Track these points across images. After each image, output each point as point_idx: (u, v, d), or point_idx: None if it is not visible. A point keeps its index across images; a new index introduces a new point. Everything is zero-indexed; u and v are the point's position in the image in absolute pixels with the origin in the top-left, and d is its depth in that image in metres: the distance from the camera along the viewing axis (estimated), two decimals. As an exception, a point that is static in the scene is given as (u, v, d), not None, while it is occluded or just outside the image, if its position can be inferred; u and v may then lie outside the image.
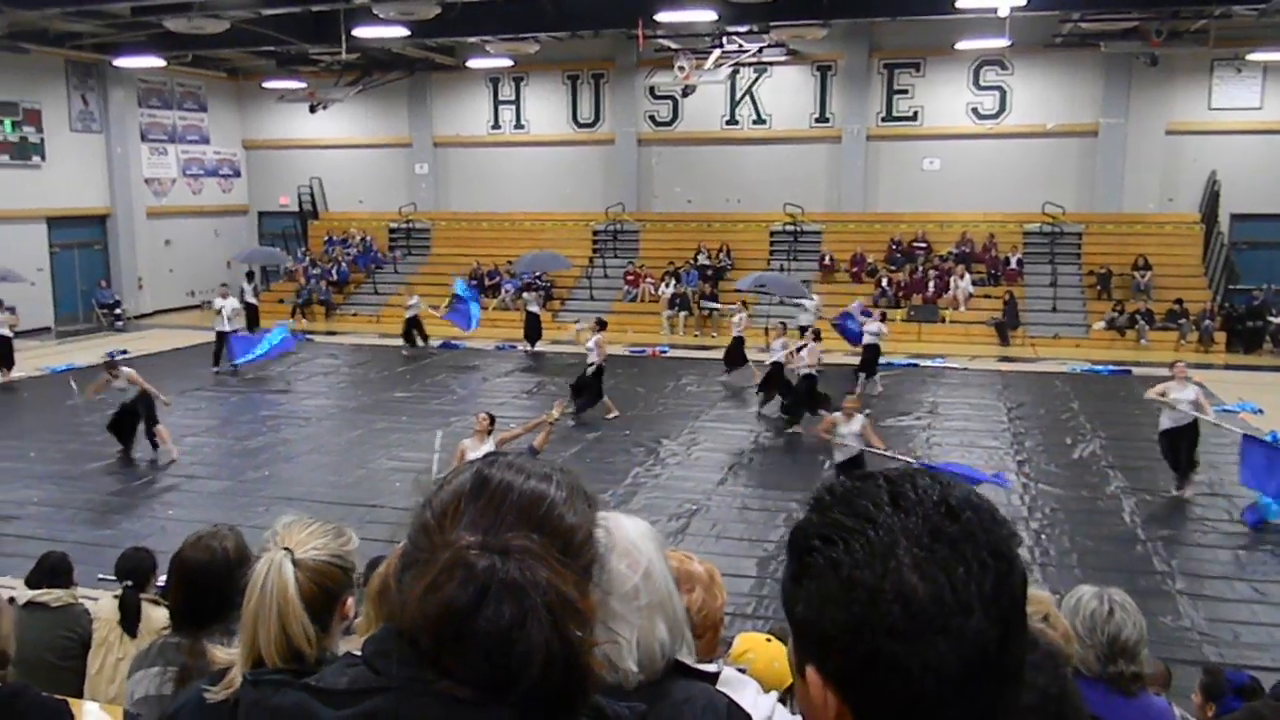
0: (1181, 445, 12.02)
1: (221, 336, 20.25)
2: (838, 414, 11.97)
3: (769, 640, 3.97)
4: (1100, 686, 2.88)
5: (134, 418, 13.77)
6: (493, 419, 10.98)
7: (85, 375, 20.02)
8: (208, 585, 2.85)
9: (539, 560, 1.10)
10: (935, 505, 0.99)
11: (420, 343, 22.38)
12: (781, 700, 2.14)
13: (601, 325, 17.31)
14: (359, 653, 1.19)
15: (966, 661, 0.94)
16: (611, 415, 15.30)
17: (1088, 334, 22.97)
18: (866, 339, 18.33)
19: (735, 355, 18.59)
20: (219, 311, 20.40)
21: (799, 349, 15.89)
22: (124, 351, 22.56)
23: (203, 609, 2.91)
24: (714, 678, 1.91)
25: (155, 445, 13.83)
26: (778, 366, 16.15)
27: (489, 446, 10.41)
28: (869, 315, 19.75)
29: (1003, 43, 22.72)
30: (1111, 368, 20.26)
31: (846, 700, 0.99)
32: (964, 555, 0.96)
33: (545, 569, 1.10)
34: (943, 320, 23.94)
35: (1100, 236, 25.26)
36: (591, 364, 16.17)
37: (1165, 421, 12.20)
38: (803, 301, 20.21)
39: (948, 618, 0.94)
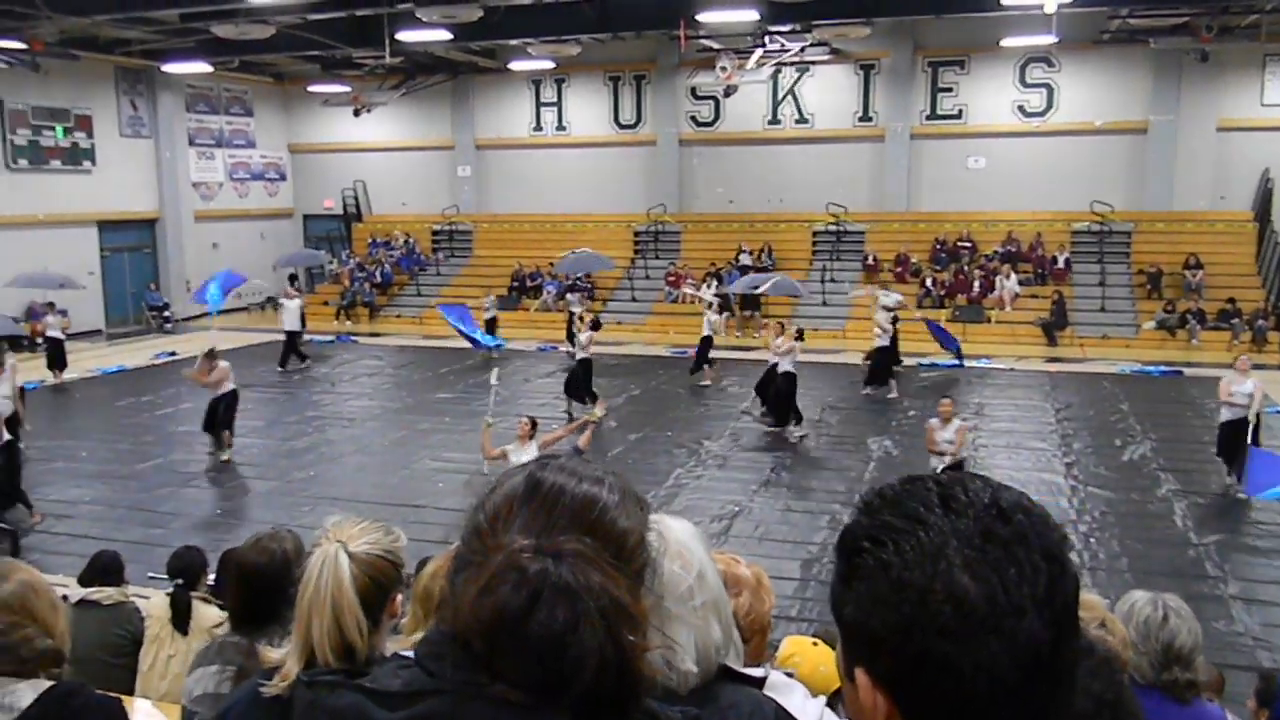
0: (1238, 438, 12.04)
1: (291, 336, 20.66)
2: (934, 420, 11.73)
3: (815, 644, 3.94)
4: (1154, 694, 2.83)
5: (214, 415, 13.99)
6: (534, 423, 11.01)
7: (136, 375, 20.37)
8: (266, 586, 2.88)
9: (592, 564, 1.10)
10: (986, 507, 0.99)
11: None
12: (830, 705, 2.12)
13: (596, 325, 17.64)
14: (408, 653, 1.20)
15: (1019, 663, 0.93)
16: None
17: (1137, 334, 22.63)
18: (879, 341, 17.95)
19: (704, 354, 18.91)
20: (278, 309, 20.94)
21: (780, 340, 15.64)
22: (173, 353, 22.94)
23: (261, 610, 2.93)
24: (761, 682, 1.90)
25: (218, 444, 14.02)
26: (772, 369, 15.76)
27: (532, 450, 10.44)
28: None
29: (1049, 39, 22.46)
30: (1162, 368, 19.95)
31: (897, 703, 0.98)
32: (1016, 557, 0.95)
33: (598, 573, 1.09)
34: (988, 320, 23.69)
35: (1150, 235, 24.88)
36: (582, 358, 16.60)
37: (1225, 414, 12.30)
38: (884, 298, 19.88)
39: (1000, 618, 0.93)
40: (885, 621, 0.96)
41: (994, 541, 0.96)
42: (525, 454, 10.33)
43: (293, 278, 25.92)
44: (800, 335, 16.30)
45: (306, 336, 23.48)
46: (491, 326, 22.62)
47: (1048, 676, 0.96)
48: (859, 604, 0.99)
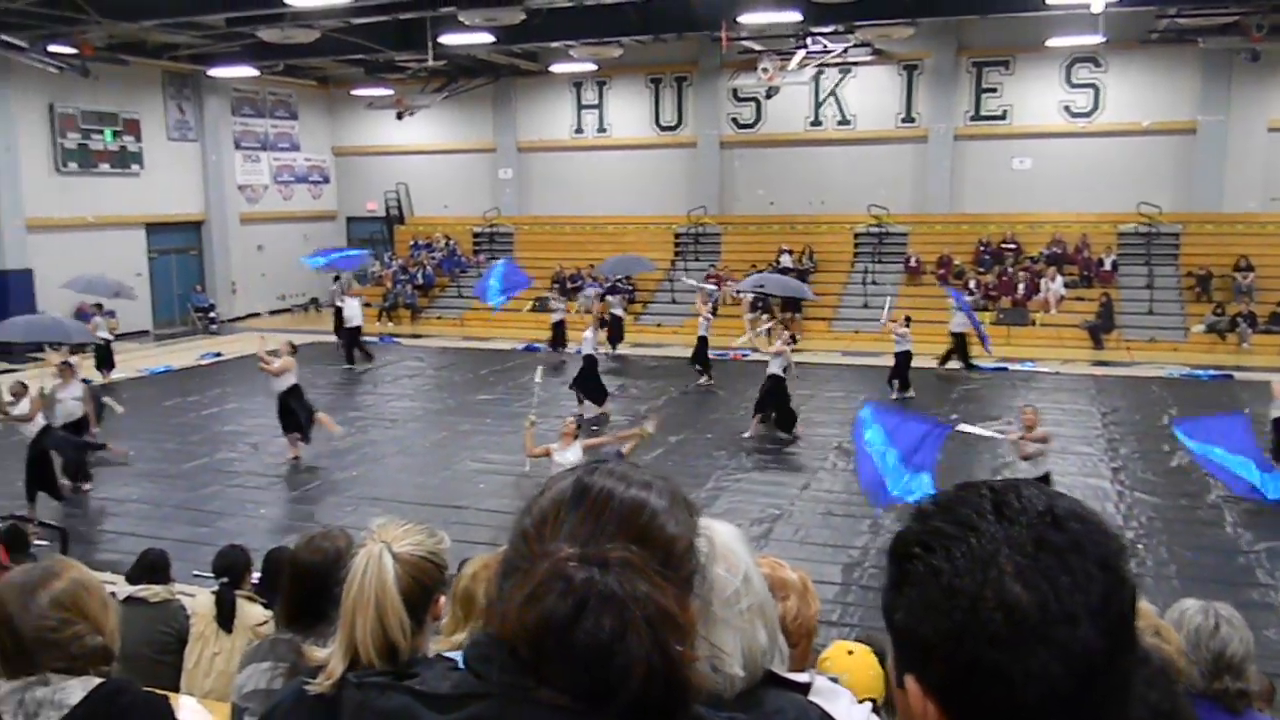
0: None
1: (352, 333, 20.96)
2: (1015, 426, 11.25)
3: (850, 653, 3.90)
4: (1205, 703, 2.78)
5: (285, 406, 14.17)
6: (579, 423, 11.03)
7: (183, 375, 20.63)
8: (317, 585, 2.90)
9: (638, 573, 1.09)
10: (1040, 515, 0.98)
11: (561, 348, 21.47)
12: (875, 711, 2.10)
13: (603, 325, 18.15)
14: (455, 655, 1.20)
15: (1072, 672, 0.92)
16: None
17: (1186, 337, 22.28)
18: (899, 346, 17.75)
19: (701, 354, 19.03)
20: (341, 307, 21.63)
21: (765, 330, 15.51)
22: (218, 354, 23.23)
23: (311, 608, 2.96)
24: (806, 688, 1.88)
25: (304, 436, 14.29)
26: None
27: (577, 450, 10.46)
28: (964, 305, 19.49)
29: (1096, 39, 22.18)
30: (1212, 372, 19.62)
31: (947, 711, 0.97)
32: (1069, 565, 0.94)
33: (645, 582, 1.09)
34: (1033, 323, 23.43)
35: (1199, 237, 24.49)
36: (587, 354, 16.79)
37: (1276, 411, 12.40)
38: (955, 300, 19.87)
39: (1051, 627, 0.92)
40: (936, 628, 0.96)
41: (1047, 549, 0.95)
42: (570, 454, 10.36)
43: (337, 279, 26.12)
44: (793, 339, 16.41)
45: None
46: (559, 331, 22.39)
47: (1102, 686, 0.94)
48: (910, 610, 0.99)
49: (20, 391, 11.76)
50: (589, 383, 16.66)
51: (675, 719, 1.10)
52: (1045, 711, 0.93)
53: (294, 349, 14.57)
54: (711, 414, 16.57)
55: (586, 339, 17.14)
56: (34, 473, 11.63)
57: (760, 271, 25.61)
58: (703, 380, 18.94)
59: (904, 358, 17.71)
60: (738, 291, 22.76)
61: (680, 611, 1.10)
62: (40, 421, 11.76)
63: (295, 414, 14.09)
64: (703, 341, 19.00)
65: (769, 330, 16.87)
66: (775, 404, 15.18)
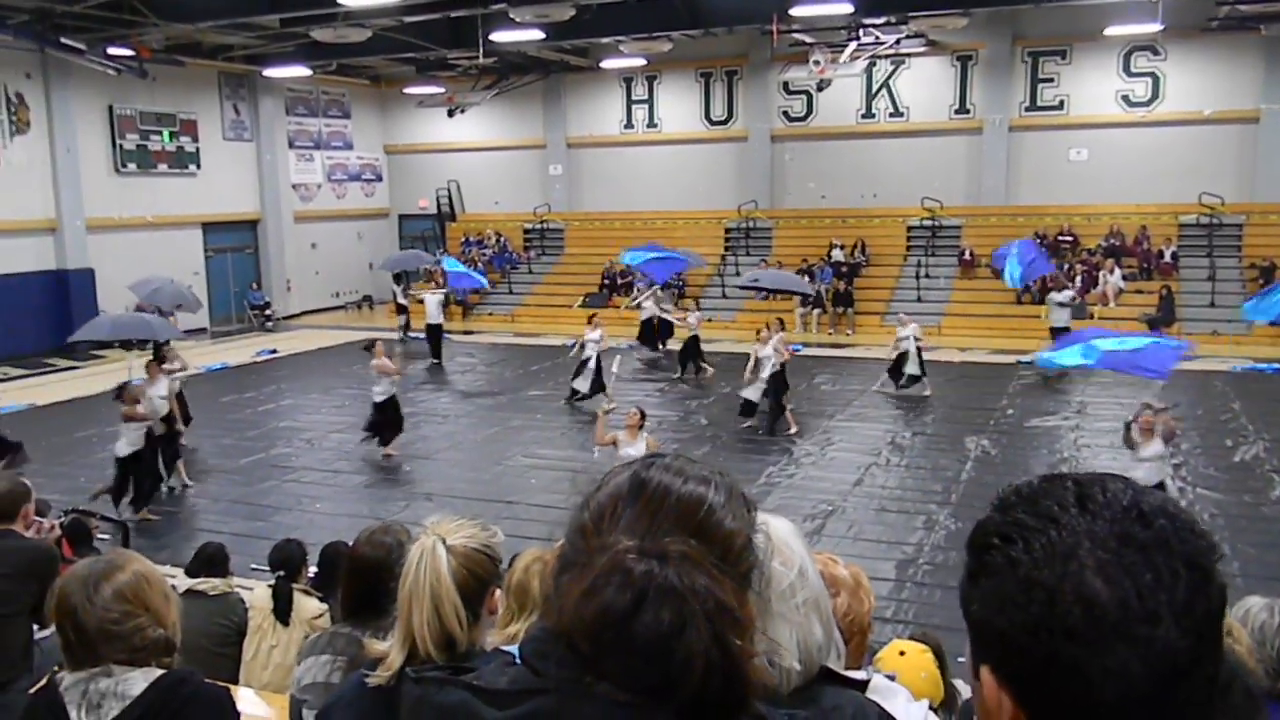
0: None
1: (433, 330, 21.19)
2: (1134, 431, 10.49)
3: (902, 654, 3.87)
4: (1271, 704, 2.72)
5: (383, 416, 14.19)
6: (643, 415, 11.01)
7: (239, 372, 20.94)
8: (377, 580, 2.93)
9: (697, 566, 1.08)
10: (1125, 510, 0.95)
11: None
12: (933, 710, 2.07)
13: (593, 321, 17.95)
14: (512, 649, 1.20)
15: (1152, 671, 0.90)
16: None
17: (1249, 330, 21.77)
18: (902, 345, 17.28)
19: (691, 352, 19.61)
20: (421, 302, 22.04)
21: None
22: (274, 351, 23.55)
23: (369, 602, 2.98)
24: (863, 685, 1.86)
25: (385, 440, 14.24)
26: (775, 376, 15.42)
27: (641, 443, 10.45)
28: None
29: (1155, 28, 21.76)
30: (1276, 366, 19.20)
31: (1023, 704, 0.95)
32: (1154, 562, 0.92)
33: (704, 575, 1.08)
34: (1091, 316, 23.03)
35: (1263, 227, 23.94)
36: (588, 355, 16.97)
37: None
38: (1059, 297, 19.78)
39: (1132, 624, 0.90)
40: (1012, 621, 0.94)
41: (1131, 545, 0.93)
42: (634, 447, 10.35)
43: (398, 278, 26.36)
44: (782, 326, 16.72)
45: (410, 335, 24.05)
46: (649, 331, 22.15)
47: (1185, 687, 0.92)
48: (985, 601, 0.97)
49: (141, 393, 11.88)
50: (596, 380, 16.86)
51: (735, 715, 1.09)
52: (1124, 711, 0.91)
53: (371, 344, 14.47)
54: (763, 409, 16.46)
55: (592, 337, 17.22)
56: (142, 471, 11.72)
57: (812, 266, 25.51)
58: (700, 374, 19.39)
59: (903, 357, 17.31)
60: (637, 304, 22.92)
61: (739, 606, 1.10)
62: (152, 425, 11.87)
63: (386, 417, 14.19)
64: (694, 339, 19.64)
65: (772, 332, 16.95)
66: (775, 396, 15.21)
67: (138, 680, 2.34)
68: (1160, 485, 9.65)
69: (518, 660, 1.17)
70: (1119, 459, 13.05)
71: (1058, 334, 18.26)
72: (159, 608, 2.44)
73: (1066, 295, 20.16)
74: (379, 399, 14.11)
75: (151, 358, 13.48)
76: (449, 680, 1.18)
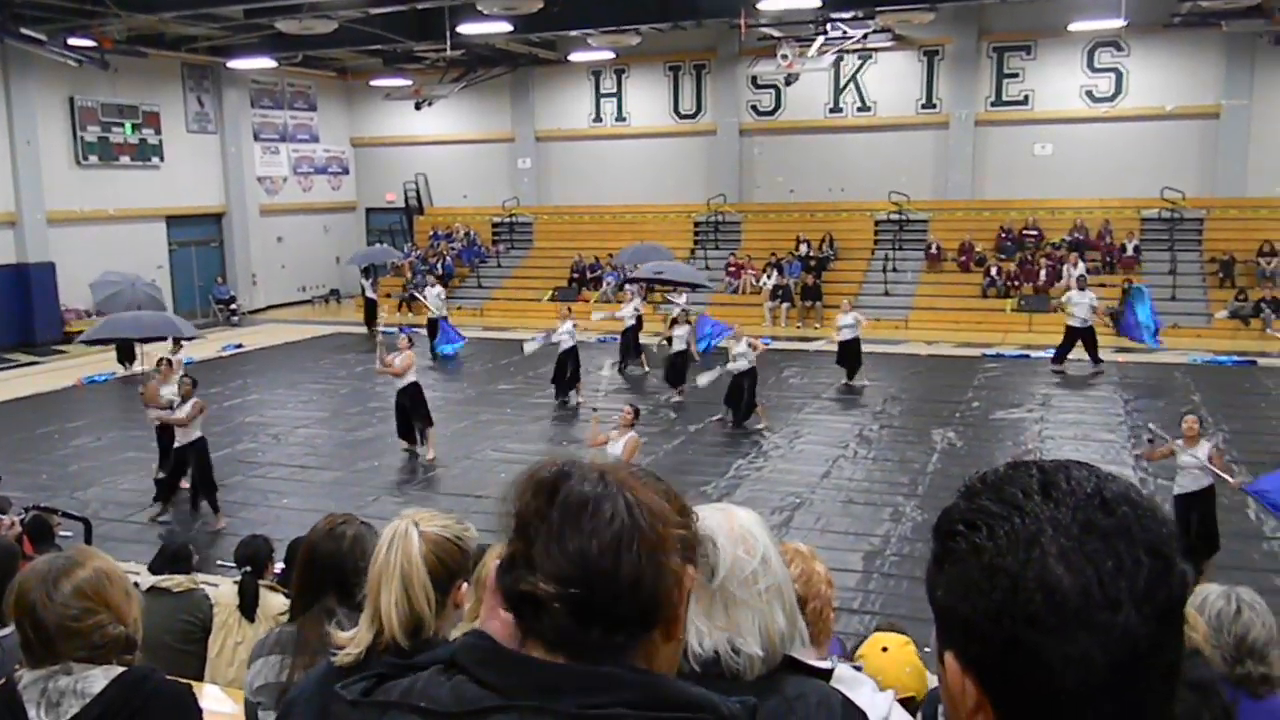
0: None
1: (433, 324, 21.06)
2: (1178, 442, 9.82)
3: (885, 649, 3.90)
4: (1228, 688, 2.78)
5: (404, 413, 13.81)
6: (637, 413, 11.04)
7: (205, 367, 20.76)
8: (333, 571, 2.91)
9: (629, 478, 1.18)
10: (1089, 497, 0.96)
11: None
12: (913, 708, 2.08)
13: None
14: (442, 655, 1.17)
15: (1112, 658, 0.91)
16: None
17: (1209, 323, 22.08)
18: (844, 334, 17.46)
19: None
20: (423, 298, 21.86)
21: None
22: (239, 345, 23.36)
23: (321, 593, 2.96)
24: (828, 674, 1.87)
25: (420, 440, 13.92)
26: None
27: (619, 446, 10.39)
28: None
29: (1118, 23, 21.98)
30: (1235, 358, 19.45)
31: (986, 690, 0.96)
32: (1116, 550, 0.93)
33: (632, 481, 1.17)
34: (1055, 310, 23.27)
35: (1223, 222, 24.27)
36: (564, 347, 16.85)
37: None
38: (1077, 300, 18.70)
39: (1093, 611, 0.91)
40: (975, 607, 0.95)
41: (1093, 533, 0.94)
42: (615, 447, 10.33)
43: (367, 272, 26.18)
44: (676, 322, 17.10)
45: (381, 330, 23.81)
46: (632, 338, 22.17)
47: (1145, 673, 0.93)
48: (950, 587, 0.98)
49: (189, 391, 11.62)
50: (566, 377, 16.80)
51: (662, 623, 1.13)
52: (1085, 697, 0.92)
53: (411, 343, 14.08)
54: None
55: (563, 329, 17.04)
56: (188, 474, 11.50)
57: (780, 259, 25.59)
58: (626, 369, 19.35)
59: (852, 345, 17.46)
60: (625, 283, 22.88)
61: (667, 512, 1.16)
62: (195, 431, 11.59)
63: (408, 416, 13.72)
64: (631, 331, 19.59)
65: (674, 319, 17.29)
66: (744, 395, 15.15)
67: (98, 678, 2.31)
68: (1209, 491, 9.47)
69: (450, 663, 1.14)
70: (1080, 450, 13.23)
71: (1078, 334, 18.35)
72: (119, 605, 2.41)
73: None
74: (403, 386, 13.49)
75: (168, 355, 13.26)
76: (393, 704, 1.13)
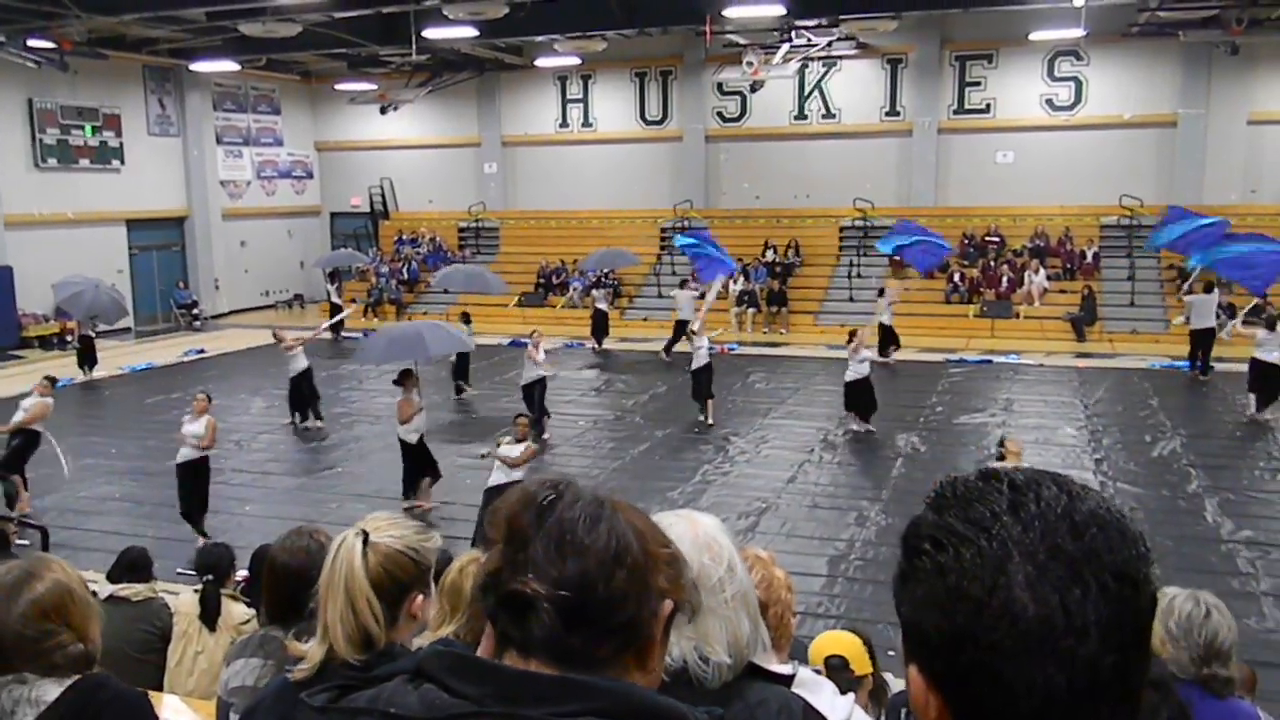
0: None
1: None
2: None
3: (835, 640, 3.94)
4: (1193, 689, 2.83)
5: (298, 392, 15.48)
6: (531, 423, 11.22)
7: (165, 372, 20.47)
8: (297, 584, 2.89)
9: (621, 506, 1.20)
10: (1058, 519, 0.94)
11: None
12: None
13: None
14: (403, 662, 1.17)
15: (1075, 685, 0.90)
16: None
17: (1167, 329, 22.32)
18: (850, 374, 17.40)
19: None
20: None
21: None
22: (201, 351, 23.12)
23: (295, 606, 2.94)
24: (789, 680, 1.88)
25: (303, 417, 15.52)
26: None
27: (519, 447, 10.28)
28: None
29: (1078, 33, 22.23)
30: (1192, 363, 19.68)
31: (949, 705, 0.97)
32: (1082, 576, 0.91)
33: (626, 509, 1.19)
34: (1017, 316, 23.51)
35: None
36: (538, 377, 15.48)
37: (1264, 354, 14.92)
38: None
39: (1057, 640, 0.90)
40: (938, 627, 0.94)
41: (1060, 559, 0.92)
42: (513, 450, 10.20)
43: (332, 276, 25.95)
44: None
45: (345, 336, 23.71)
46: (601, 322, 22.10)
47: (1107, 698, 0.92)
48: (914, 605, 0.98)
49: (205, 407, 11.33)
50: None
51: (635, 638, 1.14)
52: (1046, 718, 0.91)
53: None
54: (696, 407, 16.54)
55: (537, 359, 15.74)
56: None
57: (747, 265, 25.65)
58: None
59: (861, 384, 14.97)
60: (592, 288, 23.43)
61: (652, 536, 1.18)
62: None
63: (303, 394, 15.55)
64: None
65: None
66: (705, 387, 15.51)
67: (50, 686, 2.28)
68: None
69: (417, 672, 1.13)
70: (1043, 454, 13.37)
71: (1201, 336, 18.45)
72: (80, 622, 2.36)
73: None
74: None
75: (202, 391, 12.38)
76: (362, 710, 1.12)
